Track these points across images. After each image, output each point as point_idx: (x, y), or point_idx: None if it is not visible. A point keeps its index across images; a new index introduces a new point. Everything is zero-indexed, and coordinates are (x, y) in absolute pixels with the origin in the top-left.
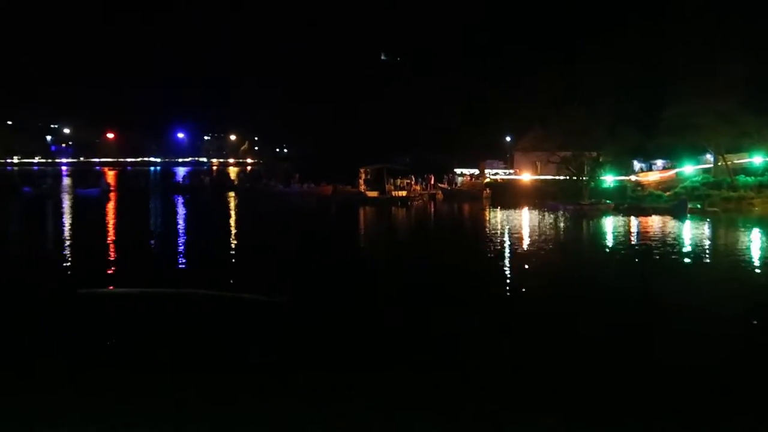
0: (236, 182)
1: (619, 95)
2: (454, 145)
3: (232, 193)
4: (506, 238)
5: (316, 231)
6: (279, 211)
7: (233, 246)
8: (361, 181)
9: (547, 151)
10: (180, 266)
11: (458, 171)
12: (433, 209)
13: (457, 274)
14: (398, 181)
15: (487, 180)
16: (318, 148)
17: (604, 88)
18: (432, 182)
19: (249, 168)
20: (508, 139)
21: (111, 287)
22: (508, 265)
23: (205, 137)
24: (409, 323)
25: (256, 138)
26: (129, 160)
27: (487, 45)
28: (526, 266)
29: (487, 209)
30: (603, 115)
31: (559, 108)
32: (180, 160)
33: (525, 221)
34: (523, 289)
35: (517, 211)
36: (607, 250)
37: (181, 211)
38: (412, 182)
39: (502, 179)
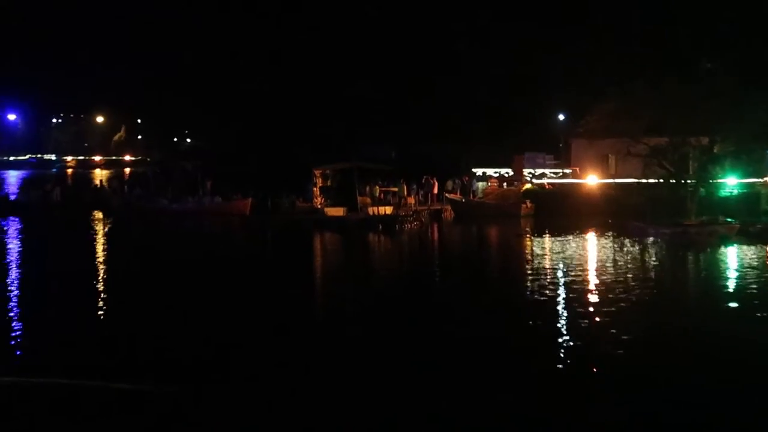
0: (109, 194)
1: (746, 47)
2: (472, 129)
3: (99, 214)
4: (565, 302)
5: (231, 279)
6: (171, 243)
7: (102, 308)
8: (317, 191)
9: (627, 137)
10: (18, 342)
11: (478, 171)
12: (437, 237)
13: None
14: (378, 189)
15: (527, 186)
16: (245, 136)
17: (721, 37)
18: (435, 190)
19: (128, 170)
20: (561, 117)
21: None
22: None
23: (55, 120)
24: None
25: (138, 120)
26: None
27: None
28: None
29: (528, 236)
30: (720, 78)
31: (648, 68)
32: (11, 158)
33: (592, 261)
34: None
35: (578, 239)
36: (752, 328)
37: (13, 246)
38: (403, 191)
39: (552, 184)
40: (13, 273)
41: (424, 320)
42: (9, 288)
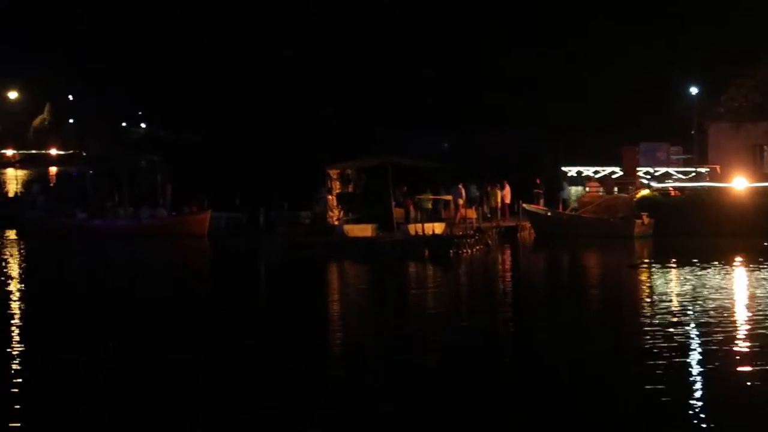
0: (23, 206)
1: None
2: (560, 110)
3: (11, 233)
4: (710, 383)
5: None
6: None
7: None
8: (332, 200)
9: None
10: None
11: (570, 171)
12: (510, 269)
13: None
14: (427, 197)
15: (644, 193)
16: (231, 122)
17: None
18: (507, 199)
19: (54, 170)
20: (693, 92)
21: None
22: None
23: None
24: None
25: (70, 97)
26: None
27: None
28: None
29: (646, 267)
30: None
31: None
32: None
33: (740, 306)
34: None
35: (720, 272)
36: None
37: None
38: (461, 199)
39: (680, 189)
40: None
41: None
42: None
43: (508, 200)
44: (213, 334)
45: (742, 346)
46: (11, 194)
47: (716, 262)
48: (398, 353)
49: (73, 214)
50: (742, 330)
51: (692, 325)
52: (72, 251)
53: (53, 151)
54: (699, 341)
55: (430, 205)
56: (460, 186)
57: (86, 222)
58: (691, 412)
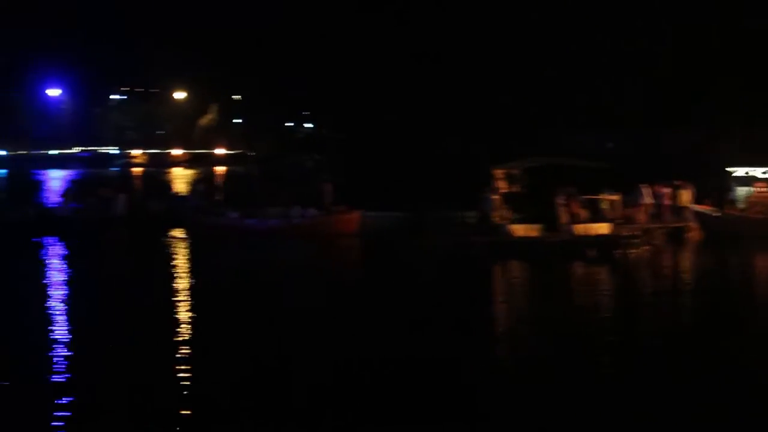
0: (189, 206)
1: None
2: (728, 104)
3: (179, 231)
4: None
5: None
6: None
7: None
8: (498, 200)
9: None
10: None
11: (740, 172)
12: (680, 273)
13: None
14: (607, 198)
15: None
16: (393, 120)
17: None
18: (673, 200)
19: (222, 169)
20: None
21: None
22: None
23: (114, 96)
24: None
25: (238, 97)
26: None
27: None
28: None
29: None
30: None
31: None
32: (54, 152)
33: None
34: None
35: None
36: None
37: (57, 292)
38: (641, 202)
39: None
40: (61, 332)
41: None
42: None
43: (676, 201)
44: (386, 338)
45: None
46: (183, 194)
47: None
48: (575, 356)
49: (224, 213)
50: None
51: None
52: (223, 251)
53: (219, 151)
54: None
55: (606, 206)
56: (641, 185)
57: (238, 222)
58: None
